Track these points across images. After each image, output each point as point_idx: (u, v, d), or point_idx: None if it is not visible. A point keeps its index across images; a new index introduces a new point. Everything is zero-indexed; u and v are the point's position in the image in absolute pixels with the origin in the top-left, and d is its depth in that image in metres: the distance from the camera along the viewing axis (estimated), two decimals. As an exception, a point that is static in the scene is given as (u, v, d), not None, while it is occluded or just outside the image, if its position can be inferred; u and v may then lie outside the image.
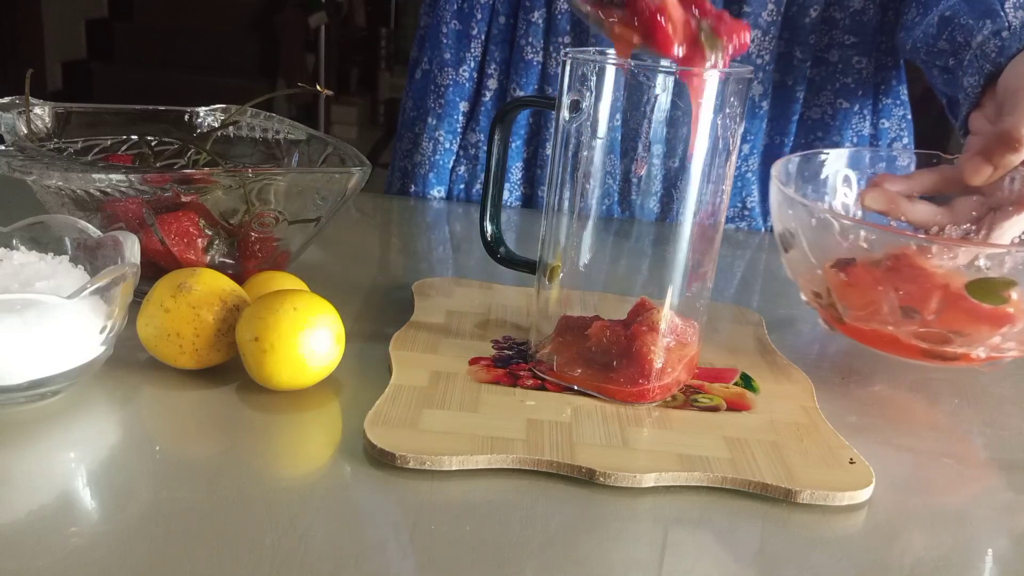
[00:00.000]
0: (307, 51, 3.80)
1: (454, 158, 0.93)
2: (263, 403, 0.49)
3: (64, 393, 0.48)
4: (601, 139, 0.48)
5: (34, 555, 0.36)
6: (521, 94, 0.88)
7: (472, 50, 0.89)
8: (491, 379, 0.52)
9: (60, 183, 0.53)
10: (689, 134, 0.47)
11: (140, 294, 0.50)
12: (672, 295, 0.49)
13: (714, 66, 0.45)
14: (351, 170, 0.59)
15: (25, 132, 0.63)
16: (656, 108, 0.47)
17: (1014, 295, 0.52)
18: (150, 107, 0.70)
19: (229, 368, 0.51)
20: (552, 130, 0.88)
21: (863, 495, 0.44)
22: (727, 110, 0.47)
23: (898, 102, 0.90)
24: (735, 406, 0.51)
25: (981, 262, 0.53)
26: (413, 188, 0.94)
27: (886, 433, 0.52)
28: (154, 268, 0.55)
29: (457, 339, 0.57)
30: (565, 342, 0.52)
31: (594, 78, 0.48)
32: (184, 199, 0.55)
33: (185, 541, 0.37)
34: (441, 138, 0.92)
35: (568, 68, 0.48)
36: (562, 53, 0.49)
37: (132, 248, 0.49)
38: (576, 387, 0.51)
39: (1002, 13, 0.66)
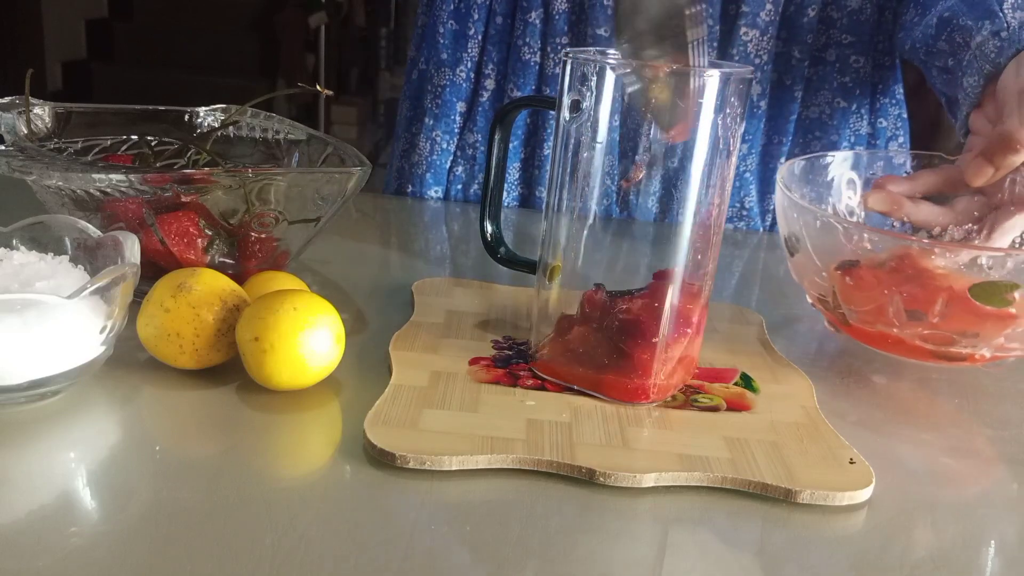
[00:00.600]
0: (307, 51, 3.80)
1: (451, 159, 0.92)
2: (263, 403, 0.49)
3: (64, 393, 0.48)
4: (601, 140, 0.48)
5: (34, 555, 0.36)
6: (519, 94, 0.88)
7: (469, 50, 0.89)
8: (491, 379, 0.52)
9: (60, 183, 0.53)
10: (690, 134, 0.47)
11: (140, 294, 0.50)
12: (672, 295, 0.49)
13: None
14: (351, 170, 0.59)
15: (25, 132, 0.63)
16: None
17: (1017, 296, 0.52)
18: (150, 107, 0.70)
19: (229, 368, 0.51)
20: (550, 130, 0.88)
21: (863, 495, 0.44)
22: (728, 110, 0.47)
23: (894, 101, 0.90)
24: (735, 406, 0.51)
25: (983, 260, 0.53)
26: (410, 188, 0.94)
27: (886, 433, 0.52)
28: (154, 268, 0.55)
29: (457, 339, 0.57)
30: (563, 341, 0.52)
31: (594, 78, 0.48)
32: (184, 199, 0.55)
33: (185, 541, 0.37)
34: (438, 138, 0.92)
35: (568, 68, 0.48)
36: (562, 53, 0.49)
37: (132, 248, 0.49)
38: (576, 387, 0.51)
39: (1001, 14, 0.66)
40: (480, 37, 0.89)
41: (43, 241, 0.53)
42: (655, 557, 0.39)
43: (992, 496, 0.46)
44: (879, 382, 0.58)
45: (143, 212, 0.55)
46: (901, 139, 0.91)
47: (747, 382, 0.54)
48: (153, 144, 0.69)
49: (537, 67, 0.88)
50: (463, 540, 0.39)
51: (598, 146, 0.48)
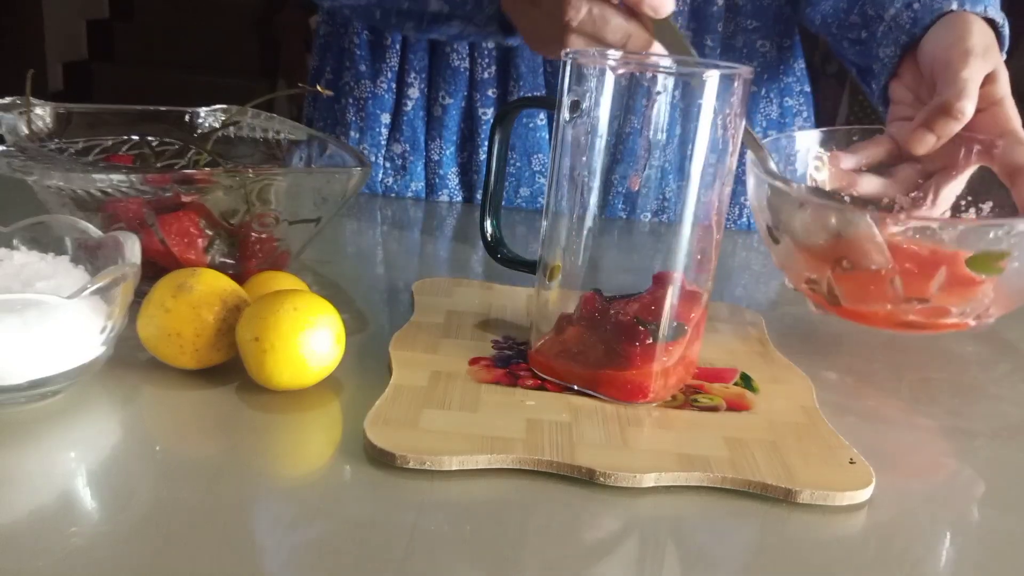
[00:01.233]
0: (307, 51, 3.80)
1: (380, 171, 0.92)
2: (263, 403, 0.49)
3: (64, 393, 0.48)
4: (601, 139, 0.48)
5: (34, 555, 0.36)
6: (450, 102, 0.88)
7: (388, 60, 0.89)
8: (491, 379, 0.52)
9: (61, 183, 0.53)
10: (689, 133, 0.47)
11: (140, 294, 0.50)
12: (673, 294, 0.49)
13: None
14: (351, 170, 0.59)
15: (26, 132, 0.63)
16: (657, 108, 0.47)
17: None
18: (151, 107, 0.70)
19: (229, 368, 0.51)
20: (536, 130, 0.88)
21: (863, 495, 0.44)
22: (727, 110, 0.47)
23: (794, 78, 0.91)
24: (735, 406, 0.51)
25: (934, 225, 0.57)
26: None
27: (886, 433, 0.52)
28: (154, 268, 0.55)
29: (457, 339, 0.57)
30: (561, 340, 0.52)
31: (594, 78, 0.48)
32: (185, 199, 0.55)
33: (185, 541, 0.37)
34: (366, 151, 0.91)
35: (568, 68, 0.48)
36: (563, 53, 0.49)
37: (132, 248, 0.49)
38: (576, 387, 0.51)
39: None
40: (399, 46, 0.88)
41: (43, 241, 0.53)
42: (655, 557, 0.39)
43: (992, 496, 0.46)
44: (879, 382, 0.58)
45: (144, 212, 0.55)
46: (805, 113, 0.93)
47: (747, 382, 0.54)
48: (154, 144, 0.69)
49: (467, 72, 0.87)
50: (463, 540, 0.39)
51: (598, 146, 0.48)
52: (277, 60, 3.73)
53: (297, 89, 0.72)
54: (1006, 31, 0.66)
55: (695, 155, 0.47)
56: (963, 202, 0.65)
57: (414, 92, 0.89)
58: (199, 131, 0.71)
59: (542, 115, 0.88)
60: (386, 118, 0.91)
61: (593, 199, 0.50)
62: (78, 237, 0.53)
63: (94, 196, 0.54)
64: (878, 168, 0.66)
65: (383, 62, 0.89)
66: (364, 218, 0.87)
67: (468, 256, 0.78)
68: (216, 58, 3.68)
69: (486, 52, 0.86)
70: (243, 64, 3.72)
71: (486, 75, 0.87)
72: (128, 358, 0.51)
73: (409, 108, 0.90)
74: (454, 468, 0.43)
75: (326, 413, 0.49)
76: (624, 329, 0.49)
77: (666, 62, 0.53)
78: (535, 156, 0.89)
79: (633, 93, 0.47)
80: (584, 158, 0.49)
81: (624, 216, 0.79)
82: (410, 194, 0.93)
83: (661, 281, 0.50)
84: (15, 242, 0.53)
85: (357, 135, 0.91)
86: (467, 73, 0.88)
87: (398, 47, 0.88)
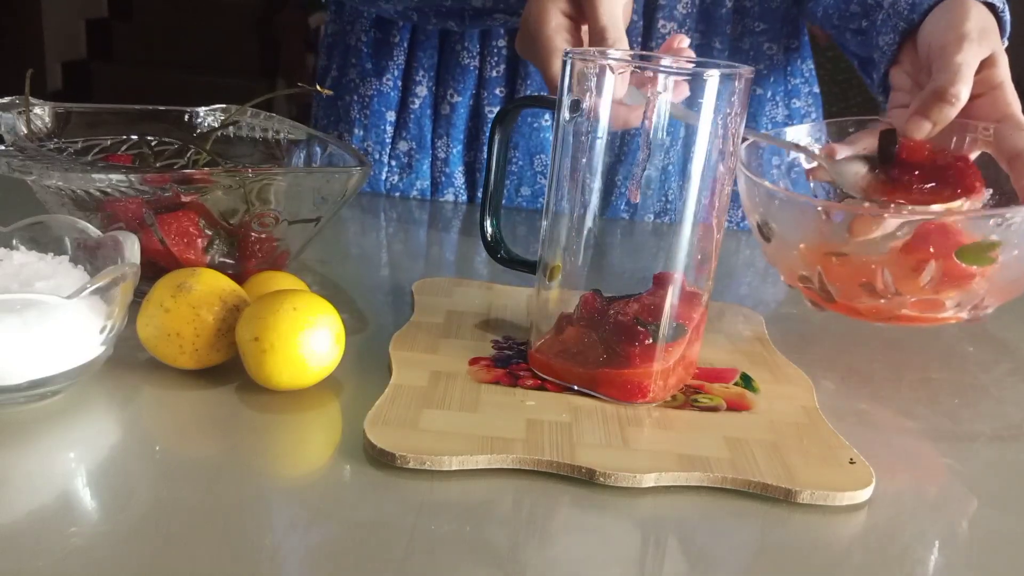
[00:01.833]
0: (307, 51, 3.80)
1: (385, 169, 0.92)
2: (263, 403, 0.49)
3: (64, 393, 0.48)
4: (601, 139, 0.48)
5: (34, 555, 0.36)
6: (459, 100, 0.88)
7: (395, 58, 0.89)
8: (491, 379, 0.52)
9: (60, 183, 0.53)
10: (690, 134, 0.47)
11: (140, 294, 0.50)
12: (673, 294, 0.49)
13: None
14: (351, 170, 0.59)
15: (25, 132, 0.63)
16: (657, 108, 0.47)
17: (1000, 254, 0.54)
18: (150, 107, 0.70)
19: (229, 368, 0.51)
20: (531, 130, 0.89)
21: (863, 495, 0.44)
22: (728, 110, 0.47)
23: (802, 79, 0.91)
24: (735, 406, 0.51)
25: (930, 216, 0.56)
26: None
27: (886, 433, 0.52)
28: (154, 268, 0.55)
29: (457, 339, 0.56)
30: (561, 340, 0.52)
31: (594, 78, 0.47)
32: (184, 199, 0.55)
33: (185, 541, 0.37)
34: (371, 148, 0.92)
35: (568, 68, 0.48)
36: (563, 53, 0.49)
37: (132, 248, 0.49)
38: (576, 387, 0.51)
39: None
40: (406, 44, 0.88)
41: (43, 241, 0.53)
42: (655, 557, 0.39)
43: (992, 497, 0.46)
44: (879, 382, 0.58)
45: (143, 212, 0.55)
46: (814, 115, 0.93)
47: (747, 382, 0.54)
48: (153, 144, 0.69)
49: (476, 71, 0.88)
50: (463, 540, 0.39)
51: (598, 146, 0.48)
52: (277, 60, 3.73)
53: (297, 89, 0.72)
54: (1007, 16, 0.65)
55: (695, 155, 0.47)
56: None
57: (422, 90, 0.89)
58: (198, 131, 0.71)
59: (547, 116, 0.88)
60: (391, 116, 0.91)
61: (593, 199, 0.50)
62: (77, 237, 0.53)
63: (93, 196, 0.54)
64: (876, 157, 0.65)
65: (389, 59, 0.89)
66: (364, 218, 0.87)
67: (469, 256, 0.78)
68: (216, 58, 3.68)
69: (496, 50, 0.86)
70: (243, 64, 3.72)
71: (495, 73, 0.87)
72: (128, 358, 0.51)
73: (416, 106, 0.90)
74: (454, 468, 0.43)
75: (326, 413, 0.49)
76: (624, 329, 0.49)
77: (666, 62, 0.53)
78: (537, 156, 0.89)
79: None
80: (584, 158, 0.49)
81: (627, 217, 0.79)
82: (415, 193, 0.93)
83: (661, 282, 0.49)
84: (14, 242, 0.53)
85: (361, 132, 0.91)
86: (476, 71, 0.88)
87: (405, 45, 0.88)
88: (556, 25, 0.61)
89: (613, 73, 0.47)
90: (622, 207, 0.83)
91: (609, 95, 0.47)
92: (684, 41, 0.63)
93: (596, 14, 0.59)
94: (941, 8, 0.64)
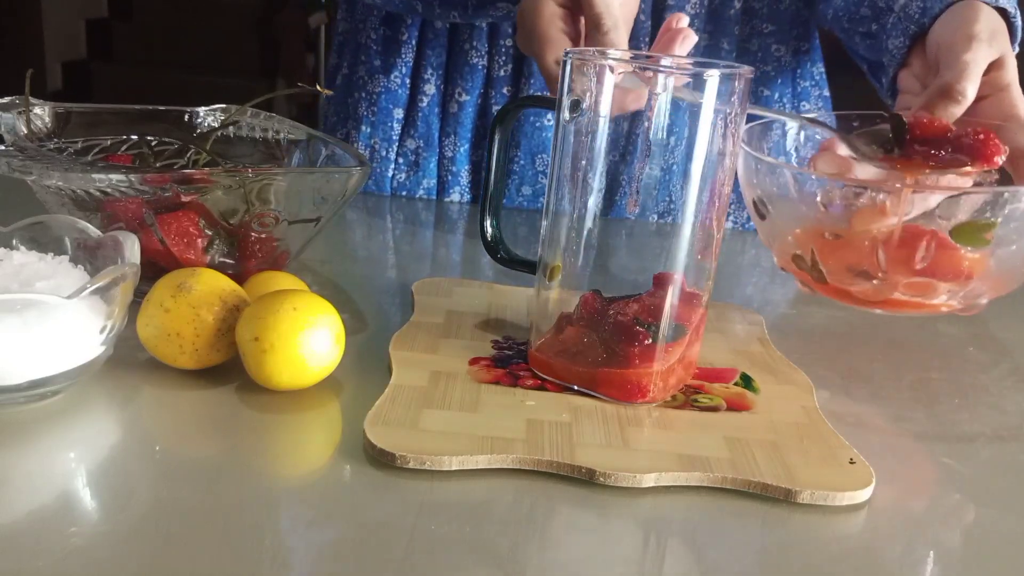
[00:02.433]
0: (307, 51, 3.80)
1: (392, 166, 0.92)
2: (263, 403, 0.49)
3: (64, 393, 0.48)
4: (601, 139, 0.48)
5: (34, 555, 0.36)
6: (466, 98, 0.88)
7: (403, 55, 0.89)
8: (491, 379, 0.52)
9: (60, 183, 0.53)
10: (690, 134, 0.47)
11: (140, 294, 0.50)
12: (673, 295, 0.49)
13: None
14: (351, 170, 0.59)
15: (25, 132, 0.63)
16: (657, 108, 0.47)
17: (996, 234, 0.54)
18: (150, 107, 0.70)
19: (229, 368, 0.51)
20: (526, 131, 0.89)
21: (863, 495, 0.44)
22: (728, 110, 0.47)
23: (813, 82, 0.92)
24: (735, 406, 0.51)
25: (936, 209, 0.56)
26: None
27: (886, 433, 0.52)
28: (154, 268, 0.55)
29: (457, 339, 0.56)
30: (561, 340, 0.52)
31: (594, 78, 0.47)
32: (184, 199, 0.55)
33: (185, 541, 0.37)
34: (377, 146, 0.92)
35: (568, 68, 0.48)
36: (563, 53, 0.49)
37: (132, 248, 0.49)
38: (576, 387, 0.51)
39: None
40: (415, 42, 0.88)
41: (43, 241, 0.53)
42: (655, 557, 0.39)
43: (992, 496, 0.46)
44: (879, 382, 0.58)
45: (143, 212, 0.55)
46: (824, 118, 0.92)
47: (747, 382, 0.54)
48: (153, 144, 0.69)
49: (484, 70, 0.88)
50: (463, 540, 0.39)
51: (598, 146, 0.48)
52: (277, 60, 3.73)
53: (297, 89, 0.72)
54: (1019, 22, 0.65)
55: (695, 155, 0.47)
56: None
57: (430, 88, 0.89)
58: (198, 131, 0.71)
59: (549, 116, 0.88)
60: (399, 113, 0.91)
61: (593, 199, 0.50)
62: (77, 237, 0.53)
63: (93, 196, 0.54)
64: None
65: (397, 57, 0.89)
66: (365, 218, 0.87)
67: (470, 256, 0.78)
68: (216, 58, 3.68)
69: (503, 49, 0.86)
70: (243, 64, 3.72)
71: (502, 72, 0.87)
72: (128, 358, 0.51)
73: (424, 104, 0.90)
74: (454, 468, 0.43)
75: (326, 413, 0.49)
76: (624, 329, 0.49)
77: (666, 62, 0.53)
78: (539, 156, 0.89)
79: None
80: (584, 158, 0.49)
81: (632, 218, 0.78)
82: (422, 191, 0.93)
83: (661, 282, 0.49)
84: (14, 242, 0.53)
85: (369, 129, 0.91)
86: (484, 70, 0.88)
87: (414, 43, 0.88)
88: (550, 15, 0.61)
89: (612, 73, 0.47)
90: (624, 207, 0.83)
91: (609, 95, 0.47)
92: (683, 20, 0.63)
93: (590, 1, 0.59)
94: (952, 11, 0.64)
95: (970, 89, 0.58)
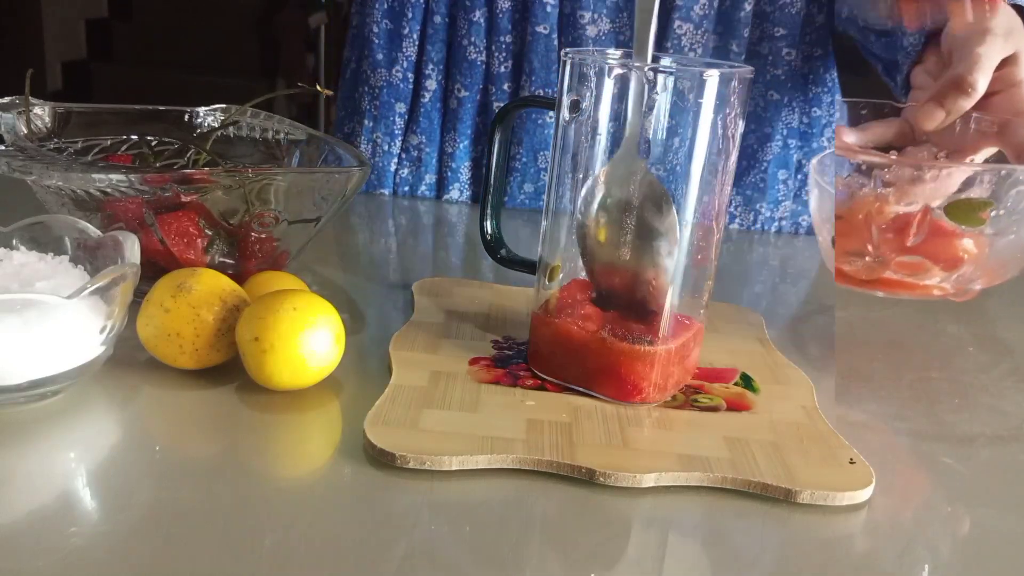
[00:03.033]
0: (307, 51, 3.80)
1: (395, 161, 0.93)
2: (263, 403, 0.49)
3: (64, 393, 0.48)
4: (601, 139, 0.48)
5: (34, 555, 0.36)
6: (466, 94, 0.88)
7: (405, 50, 0.89)
8: (491, 379, 0.52)
9: (60, 183, 0.53)
10: (690, 134, 0.47)
11: (140, 294, 0.50)
12: (673, 295, 0.49)
13: None
14: (351, 170, 0.59)
15: (25, 132, 0.63)
16: (657, 108, 0.47)
17: (992, 214, 0.54)
18: (150, 107, 0.70)
19: (229, 368, 0.51)
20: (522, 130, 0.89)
21: (863, 495, 0.44)
22: (728, 110, 0.47)
23: (825, 88, 0.91)
24: (735, 406, 0.51)
25: (936, 204, 0.56)
26: None
27: (886, 433, 0.52)
28: (154, 268, 0.55)
29: (457, 339, 0.57)
30: (559, 339, 0.52)
31: (594, 78, 0.47)
32: (184, 199, 0.55)
33: (185, 541, 0.37)
34: (380, 140, 0.92)
35: (568, 68, 0.48)
36: (563, 53, 0.49)
37: (132, 248, 0.49)
38: (576, 387, 0.51)
39: None
40: (416, 36, 0.88)
41: (43, 241, 0.53)
42: (655, 557, 0.39)
43: (992, 496, 0.46)
44: (879, 382, 0.58)
45: (143, 212, 0.55)
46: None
47: (747, 382, 0.54)
48: (153, 144, 0.69)
49: (483, 66, 0.88)
50: (463, 540, 0.39)
51: (598, 146, 0.48)
52: (277, 60, 3.73)
53: (297, 89, 0.72)
54: None
55: (695, 155, 0.47)
56: None
57: (432, 84, 0.89)
58: (198, 131, 0.71)
59: (551, 112, 0.88)
60: (401, 108, 0.91)
61: (592, 199, 0.49)
62: (77, 237, 0.53)
63: (93, 196, 0.54)
64: (886, 149, 0.65)
65: (399, 51, 0.89)
66: (365, 218, 0.87)
67: (471, 256, 0.78)
68: (216, 58, 3.68)
69: (503, 46, 0.86)
70: (243, 64, 3.72)
71: (502, 69, 0.87)
72: (128, 358, 0.51)
73: (427, 100, 0.90)
74: (454, 468, 0.43)
75: (326, 413, 0.49)
76: (624, 328, 0.49)
77: (666, 61, 0.53)
78: (541, 153, 0.89)
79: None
80: (584, 158, 0.49)
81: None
82: (423, 187, 0.93)
83: (661, 282, 0.49)
84: (15, 242, 0.53)
85: (371, 124, 0.92)
86: (483, 66, 0.88)
87: (415, 37, 0.88)
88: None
89: (608, 77, 0.47)
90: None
91: (609, 95, 0.47)
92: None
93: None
94: None
95: (981, 82, 0.58)
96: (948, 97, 0.58)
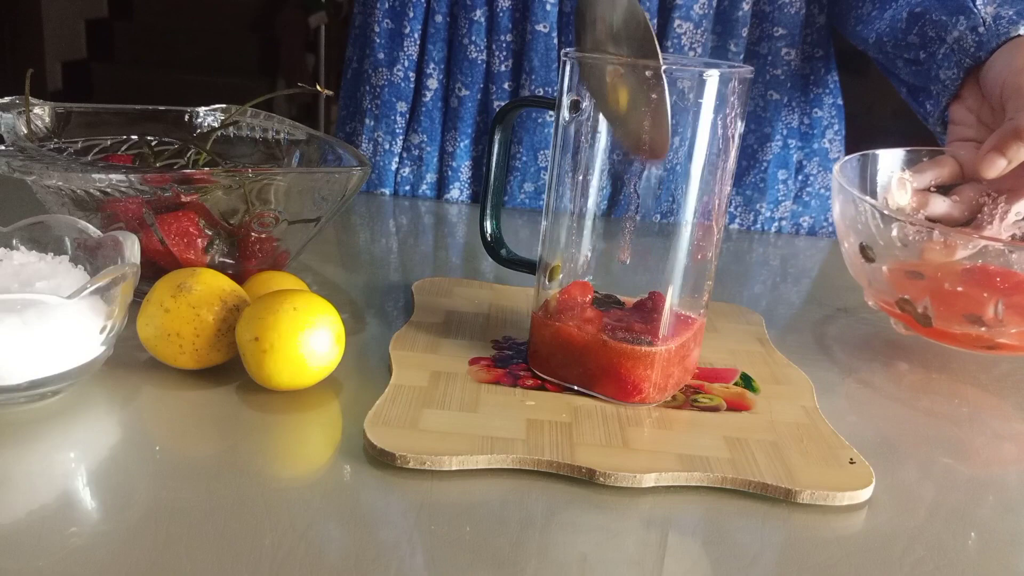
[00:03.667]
0: (307, 51, 3.80)
1: (396, 160, 0.93)
2: (263, 403, 0.49)
3: (64, 393, 0.48)
4: (601, 139, 0.48)
5: (34, 555, 0.36)
6: (467, 93, 0.88)
7: (406, 49, 0.89)
8: (491, 379, 0.52)
9: (60, 183, 0.53)
10: (690, 134, 0.47)
11: (140, 294, 0.50)
12: (672, 295, 0.49)
13: None
14: (351, 170, 0.59)
15: (25, 132, 0.63)
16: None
17: None
18: (150, 107, 0.70)
19: (229, 368, 0.51)
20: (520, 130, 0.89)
21: (863, 495, 0.44)
22: (727, 110, 0.47)
23: (827, 90, 0.92)
24: (735, 406, 0.51)
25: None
26: None
27: (886, 433, 0.52)
28: (154, 268, 0.55)
29: (457, 339, 0.57)
30: (559, 340, 0.52)
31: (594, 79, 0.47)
32: (184, 199, 0.55)
33: (185, 541, 0.37)
34: (380, 139, 0.92)
35: (568, 68, 0.48)
36: (563, 53, 0.49)
37: (132, 248, 0.49)
38: (576, 387, 0.51)
39: (975, 9, 0.68)
40: (418, 36, 0.89)
41: (43, 241, 0.53)
42: (655, 557, 0.39)
43: (992, 496, 0.46)
44: (879, 382, 0.58)
45: (143, 212, 0.55)
46: (836, 126, 0.93)
47: (747, 382, 0.54)
48: (153, 144, 0.69)
49: (484, 65, 0.88)
50: (463, 540, 0.39)
51: (597, 146, 0.48)
52: (277, 60, 3.73)
53: (297, 89, 0.72)
54: None
55: (695, 155, 0.47)
56: None
57: (432, 83, 0.90)
58: (198, 131, 0.71)
59: (551, 112, 0.88)
60: (402, 107, 0.91)
61: (592, 199, 0.49)
62: (77, 237, 0.53)
63: (93, 196, 0.54)
64: (940, 189, 0.66)
65: (400, 50, 0.89)
66: (365, 217, 0.87)
67: (470, 256, 0.78)
68: (216, 58, 3.68)
69: (504, 45, 0.86)
70: (243, 64, 3.72)
71: (503, 68, 0.87)
72: (128, 358, 0.51)
73: (428, 99, 0.90)
74: (454, 468, 0.43)
75: (326, 413, 0.49)
76: (623, 329, 0.49)
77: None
78: (541, 152, 0.89)
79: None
80: (584, 158, 0.49)
81: (624, 216, 0.78)
82: (424, 186, 0.93)
83: (661, 282, 0.49)
84: (15, 242, 0.53)
85: (372, 123, 0.92)
86: (484, 65, 0.88)
87: (416, 36, 0.89)
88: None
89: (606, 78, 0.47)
90: (627, 208, 0.83)
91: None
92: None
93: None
94: (1010, 47, 0.64)
95: None
96: (1010, 148, 0.60)
